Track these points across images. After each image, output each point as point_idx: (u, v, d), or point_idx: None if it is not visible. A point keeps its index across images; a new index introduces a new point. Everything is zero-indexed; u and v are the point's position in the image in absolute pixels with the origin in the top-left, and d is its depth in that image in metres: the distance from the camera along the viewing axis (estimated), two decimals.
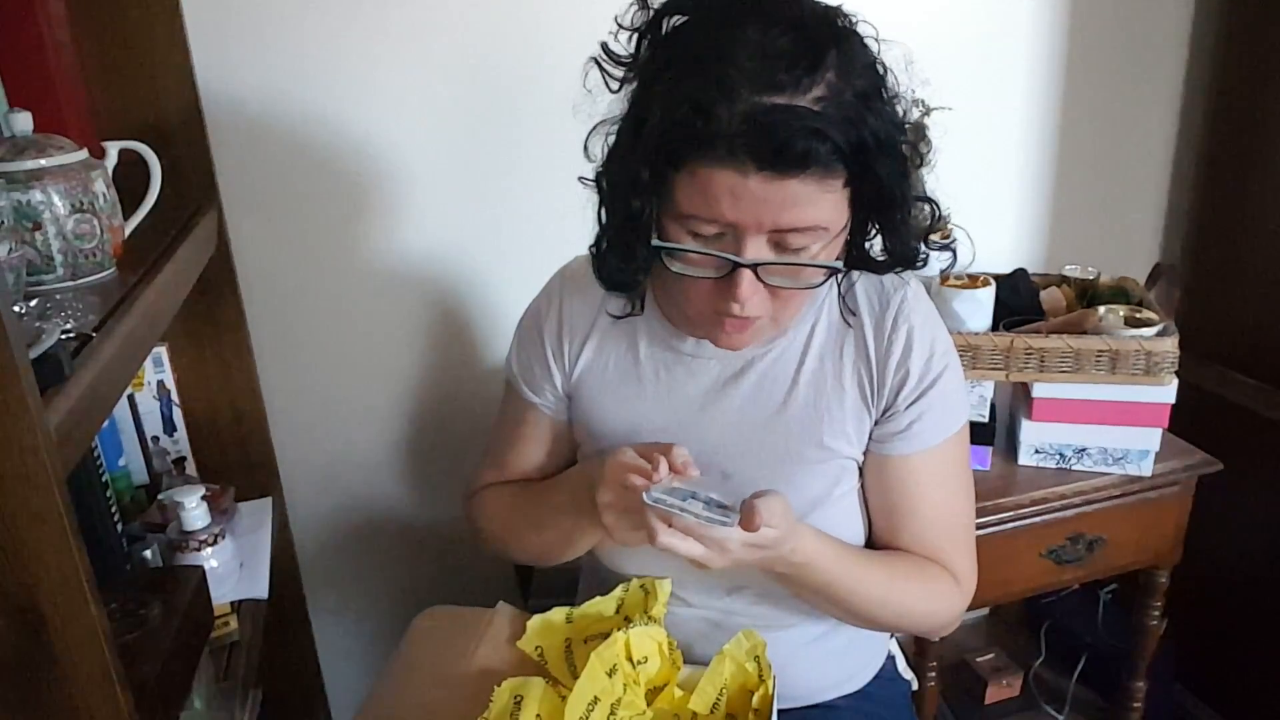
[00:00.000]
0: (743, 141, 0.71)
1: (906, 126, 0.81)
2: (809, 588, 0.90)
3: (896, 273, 0.90)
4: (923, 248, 0.87)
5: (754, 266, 0.78)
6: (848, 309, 0.92)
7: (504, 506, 1.06)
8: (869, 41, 0.78)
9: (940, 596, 0.95)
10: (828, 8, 0.77)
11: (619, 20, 0.81)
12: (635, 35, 0.80)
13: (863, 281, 0.94)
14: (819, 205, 0.75)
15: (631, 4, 0.80)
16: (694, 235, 0.78)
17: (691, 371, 0.95)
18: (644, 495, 0.78)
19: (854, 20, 0.78)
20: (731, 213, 0.75)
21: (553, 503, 0.97)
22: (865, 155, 0.74)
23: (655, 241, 0.80)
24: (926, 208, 0.86)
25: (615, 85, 0.82)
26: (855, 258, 0.87)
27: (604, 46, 0.82)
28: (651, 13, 0.79)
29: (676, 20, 0.78)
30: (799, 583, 0.89)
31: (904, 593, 0.94)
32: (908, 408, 0.92)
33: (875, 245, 0.87)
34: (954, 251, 0.93)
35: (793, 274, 0.80)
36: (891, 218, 0.82)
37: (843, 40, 0.75)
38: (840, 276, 0.90)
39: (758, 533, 0.78)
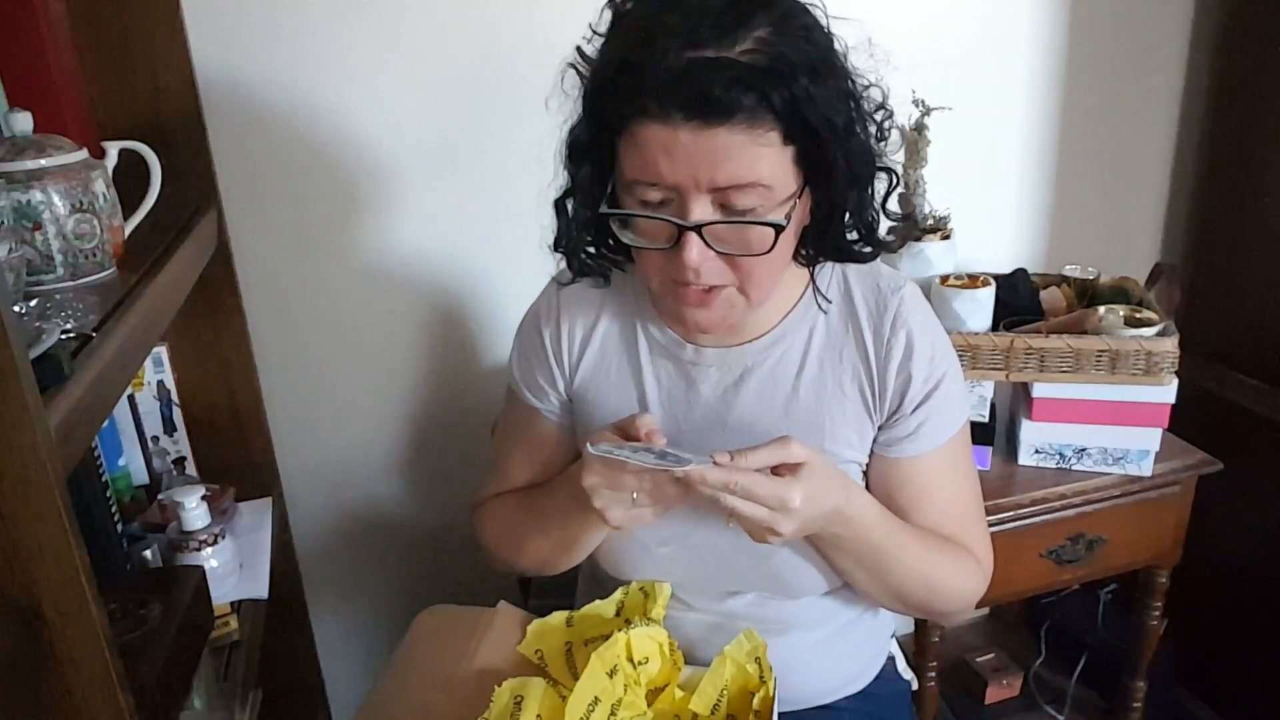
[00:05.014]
0: (669, 94, 0.73)
1: (861, 97, 0.81)
2: (854, 553, 0.89)
3: (868, 259, 0.90)
4: (884, 218, 0.87)
5: (697, 228, 0.78)
6: (822, 296, 0.92)
7: (507, 515, 1.04)
8: (815, 12, 0.79)
9: (966, 574, 0.96)
10: None
11: (593, 27, 0.82)
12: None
13: (859, 284, 0.94)
14: (757, 159, 0.75)
15: (603, 8, 0.81)
16: (642, 203, 0.80)
17: (692, 380, 0.95)
18: (588, 447, 0.79)
19: None
20: (669, 172, 0.76)
21: (554, 502, 0.97)
22: (796, 106, 0.74)
23: (603, 209, 0.82)
24: (884, 175, 0.86)
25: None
26: (825, 246, 0.88)
27: (579, 50, 0.83)
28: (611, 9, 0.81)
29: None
30: (848, 545, 0.88)
31: (937, 564, 0.93)
32: (914, 411, 0.92)
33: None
34: (914, 221, 0.93)
35: (741, 240, 0.79)
36: (839, 179, 0.81)
37: (775, 5, 0.75)
38: (816, 269, 0.91)
39: (795, 456, 0.79)
